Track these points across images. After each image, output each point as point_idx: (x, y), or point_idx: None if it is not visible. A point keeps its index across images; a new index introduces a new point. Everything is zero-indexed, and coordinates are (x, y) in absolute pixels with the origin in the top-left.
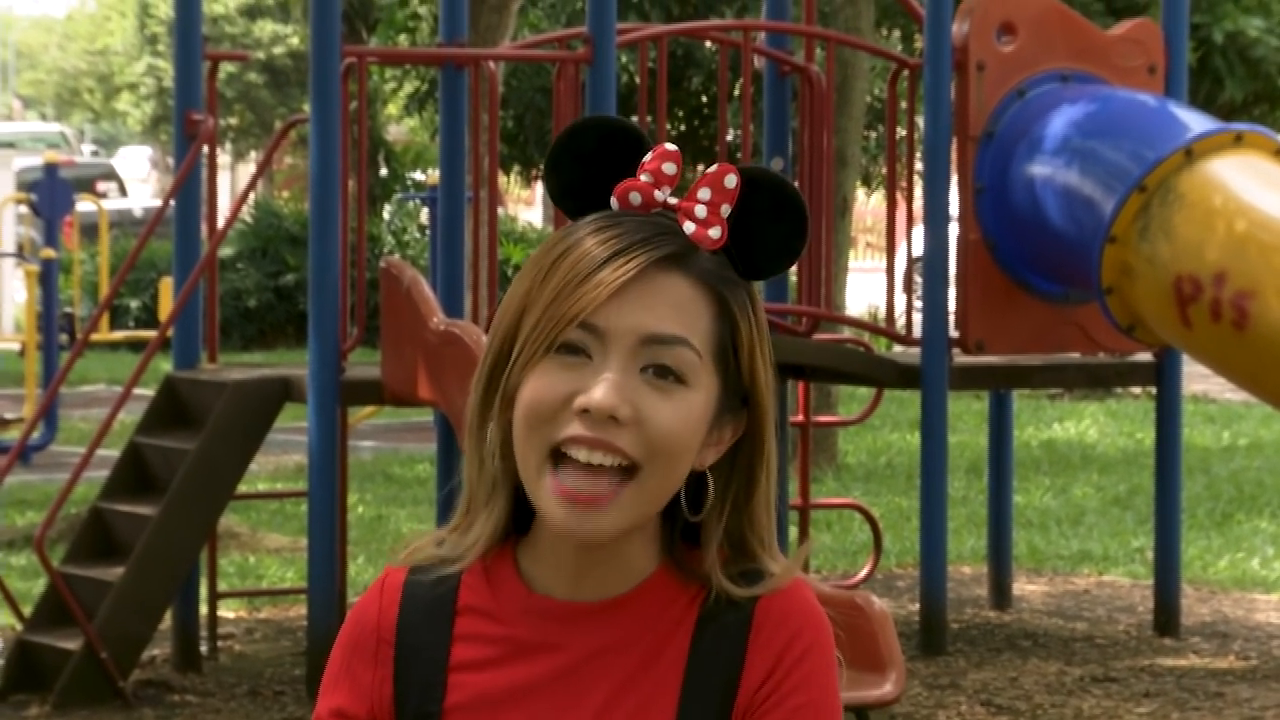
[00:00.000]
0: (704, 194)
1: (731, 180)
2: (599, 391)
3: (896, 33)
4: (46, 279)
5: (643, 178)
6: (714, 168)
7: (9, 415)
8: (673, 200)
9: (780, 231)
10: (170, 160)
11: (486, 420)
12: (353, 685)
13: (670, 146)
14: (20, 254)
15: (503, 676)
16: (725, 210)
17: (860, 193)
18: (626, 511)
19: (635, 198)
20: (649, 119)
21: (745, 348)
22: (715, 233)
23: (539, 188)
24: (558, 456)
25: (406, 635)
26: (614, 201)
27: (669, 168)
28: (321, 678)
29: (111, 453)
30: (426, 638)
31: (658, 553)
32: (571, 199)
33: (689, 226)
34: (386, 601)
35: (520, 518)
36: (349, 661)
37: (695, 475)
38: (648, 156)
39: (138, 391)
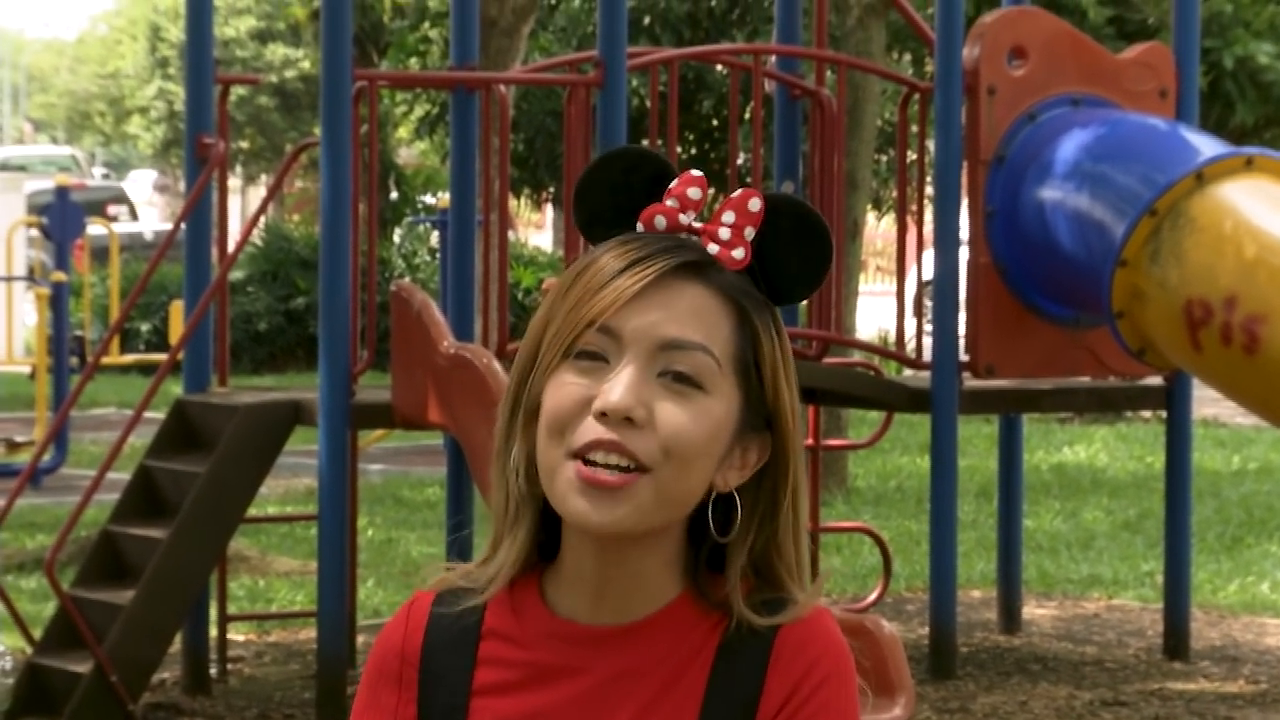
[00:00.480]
0: (728, 217)
1: (756, 204)
2: (615, 393)
3: (907, 56)
4: (57, 302)
5: (668, 203)
6: (738, 193)
7: (19, 438)
8: (697, 224)
9: (804, 255)
10: (179, 184)
11: (511, 442)
12: (377, 710)
13: (696, 173)
14: (31, 277)
15: (524, 701)
16: (749, 233)
17: (870, 216)
18: (642, 508)
19: (660, 221)
20: (660, 142)
21: (768, 363)
22: (739, 254)
23: (549, 211)
24: (577, 461)
25: (431, 660)
26: (640, 226)
27: (694, 193)
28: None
29: (122, 476)
30: (450, 662)
31: (680, 578)
32: (599, 227)
33: (713, 248)
34: (412, 626)
35: (546, 547)
36: (374, 686)
37: (723, 498)
38: (673, 183)
39: (148, 415)
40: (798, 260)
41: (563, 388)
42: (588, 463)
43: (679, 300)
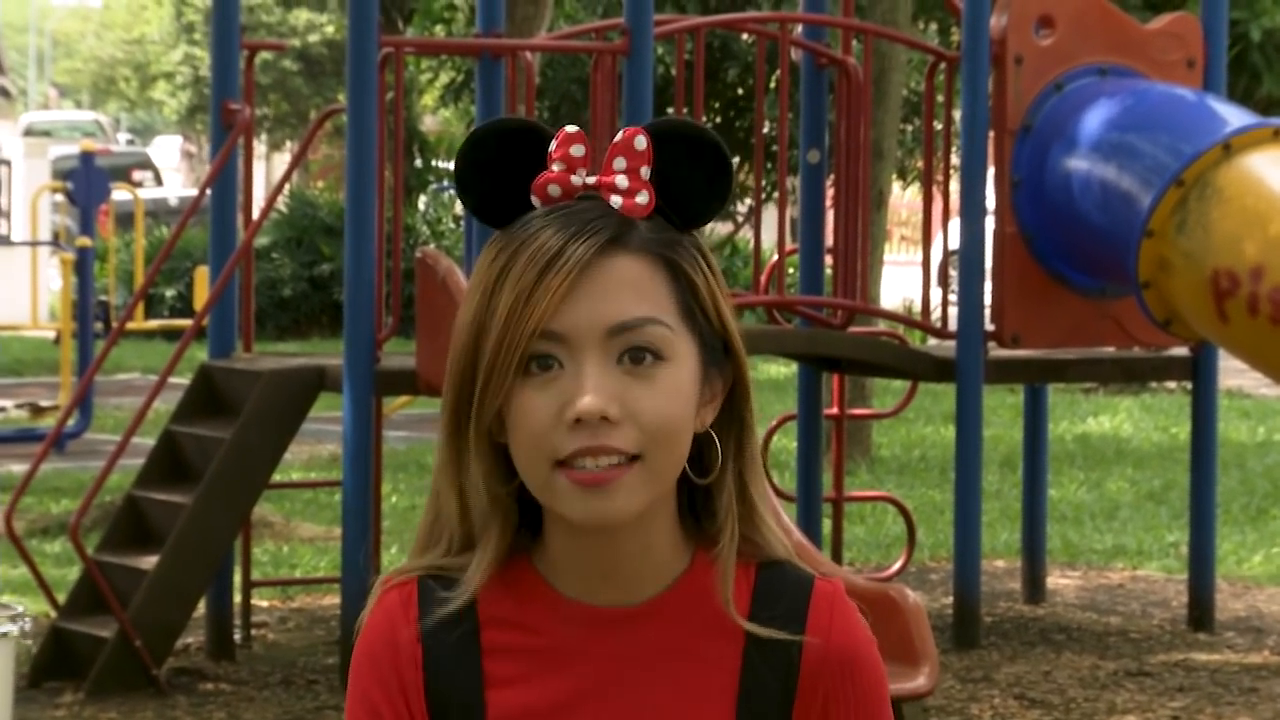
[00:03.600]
0: (619, 163)
1: (641, 141)
2: (585, 398)
3: (934, 26)
4: (82, 267)
5: (555, 167)
6: (620, 135)
7: (44, 403)
8: (590, 180)
9: (701, 175)
10: (204, 150)
11: (462, 454)
12: (385, 714)
13: (572, 128)
14: (56, 242)
15: (544, 689)
16: (645, 173)
17: (896, 186)
18: (637, 492)
19: (554, 189)
20: (685, 111)
21: (708, 299)
22: (643, 198)
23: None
24: (565, 466)
25: (433, 656)
26: (535, 200)
27: (577, 150)
28: (346, 700)
29: (146, 441)
30: (455, 655)
31: (686, 545)
32: (491, 210)
33: (615, 200)
34: (404, 621)
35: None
36: (373, 688)
37: (697, 438)
38: (553, 146)
39: (173, 380)
40: (698, 181)
41: (528, 410)
42: (577, 467)
43: (611, 280)
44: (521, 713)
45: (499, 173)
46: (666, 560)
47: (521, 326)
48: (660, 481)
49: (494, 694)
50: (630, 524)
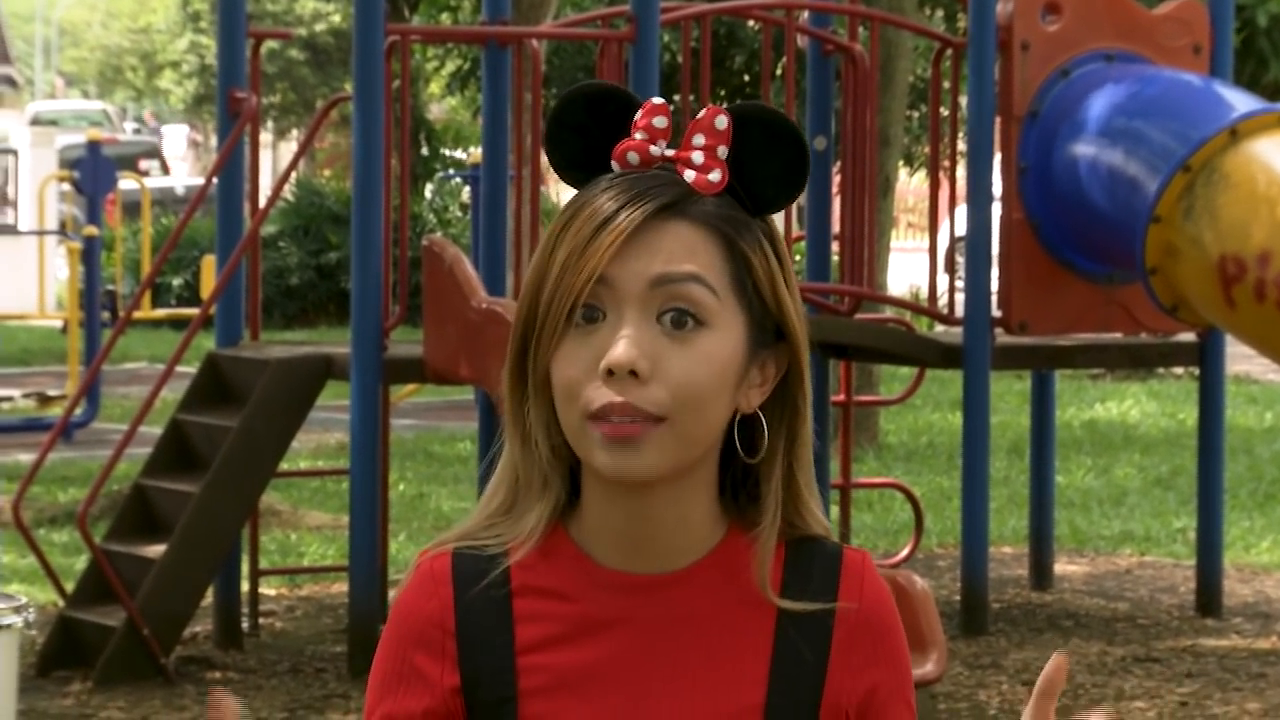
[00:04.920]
0: (698, 140)
1: (723, 121)
2: (617, 349)
3: (940, 12)
4: (89, 256)
5: (637, 136)
6: (703, 113)
7: (52, 392)
8: (669, 152)
9: (779, 162)
10: (211, 139)
11: (523, 405)
12: (418, 683)
13: (658, 100)
14: (63, 231)
15: (577, 655)
16: (722, 152)
17: (903, 172)
18: (664, 452)
19: (633, 157)
20: (691, 98)
21: (764, 280)
22: (715, 176)
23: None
24: (595, 420)
25: (467, 624)
26: (614, 165)
27: (660, 121)
28: (371, 670)
29: (154, 430)
30: (487, 623)
31: (722, 518)
32: (575, 170)
33: (689, 174)
34: (440, 591)
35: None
36: (408, 659)
37: (747, 419)
38: (638, 115)
39: (180, 369)
40: (774, 168)
41: (569, 359)
42: (605, 420)
43: (664, 239)
44: (555, 679)
45: (585, 136)
46: (702, 532)
47: (575, 276)
48: (688, 447)
49: (526, 660)
50: (664, 490)
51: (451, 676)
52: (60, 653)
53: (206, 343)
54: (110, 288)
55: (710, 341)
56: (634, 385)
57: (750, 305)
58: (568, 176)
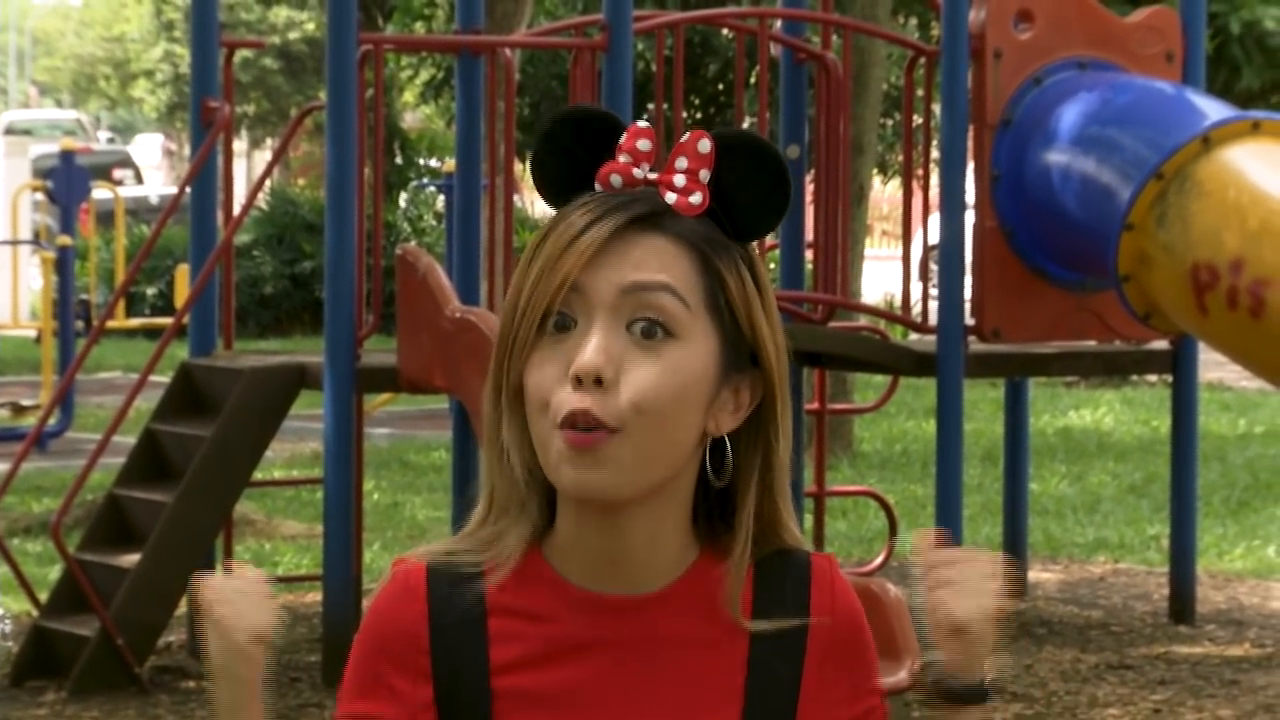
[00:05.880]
0: (681, 163)
1: (705, 145)
2: (585, 354)
3: (913, 20)
4: (63, 266)
5: (621, 159)
6: (687, 136)
7: (26, 402)
8: (653, 175)
9: (762, 189)
10: (185, 148)
11: (501, 419)
12: (388, 694)
13: (643, 124)
14: (37, 241)
15: (551, 676)
16: (704, 175)
17: (876, 180)
18: (621, 468)
19: (616, 180)
20: (665, 106)
21: (739, 301)
22: (696, 199)
23: None
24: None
25: (441, 641)
26: (598, 187)
27: (644, 144)
28: (343, 676)
29: (127, 439)
30: (462, 641)
31: (695, 541)
32: (561, 194)
33: (670, 197)
34: (412, 604)
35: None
36: (379, 669)
37: (718, 443)
38: (622, 138)
39: (153, 378)
40: (755, 195)
41: (540, 367)
42: (570, 429)
43: (638, 249)
44: (529, 700)
45: (571, 159)
46: (675, 554)
47: (548, 284)
48: (648, 463)
49: (501, 681)
50: (635, 510)
51: (424, 691)
52: (34, 663)
53: (180, 352)
54: (84, 297)
55: (678, 354)
56: (598, 393)
57: (723, 323)
58: (554, 201)
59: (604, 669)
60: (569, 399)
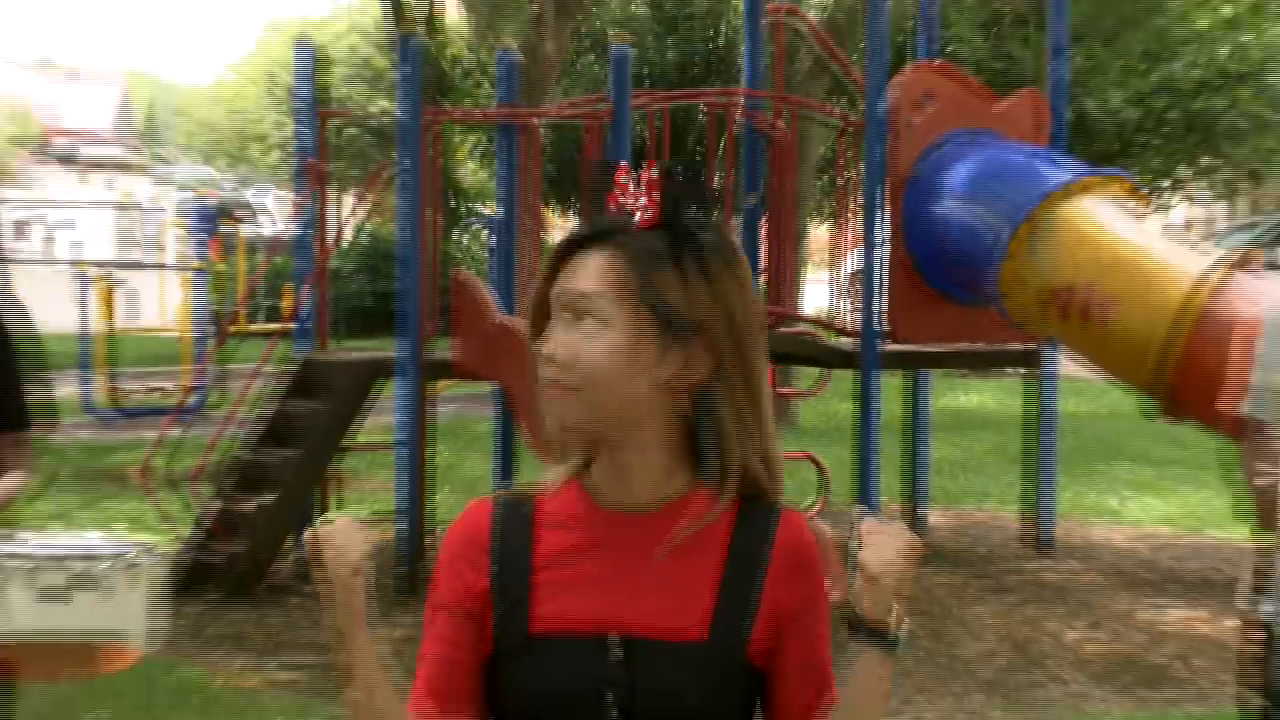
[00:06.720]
0: (640, 190)
1: (654, 173)
2: (546, 345)
3: (845, 99)
4: (198, 284)
5: (616, 191)
6: (644, 173)
7: (169, 386)
8: (627, 202)
9: (692, 197)
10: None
11: None
12: (460, 582)
13: (623, 163)
14: (178, 265)
15: (579, 569)
16: (655, 196)
17: (814, 223)
18: (582, 415)
19: (613, 208)
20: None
21: (673, 289)
22: (648, 214)
23: (573, 216)
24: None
25: (498, 543)
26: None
27: (624, 179)
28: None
29: (248, 415)
30: (514, 543)
31: (691, 476)
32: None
33: (637, 216)
34: (480, 520)
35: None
36: (455, 565)
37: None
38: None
39: (267, 369)
40: (688, 201)
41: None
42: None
43: (587, 263)
44: (559, 587)
45: (602, 192)
46: (669, 481)
47: (539, 286)
48: (599, 408)
49: (540, 574)
50: (624, 444)
51: (483, 580)
52: (180, 585)
53: (285, 350)
54: (214, 308)
55: (605, 335)
56: (555, 366)
57: (655, 307)
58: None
59: (617, 564)
60: (544, 370)
